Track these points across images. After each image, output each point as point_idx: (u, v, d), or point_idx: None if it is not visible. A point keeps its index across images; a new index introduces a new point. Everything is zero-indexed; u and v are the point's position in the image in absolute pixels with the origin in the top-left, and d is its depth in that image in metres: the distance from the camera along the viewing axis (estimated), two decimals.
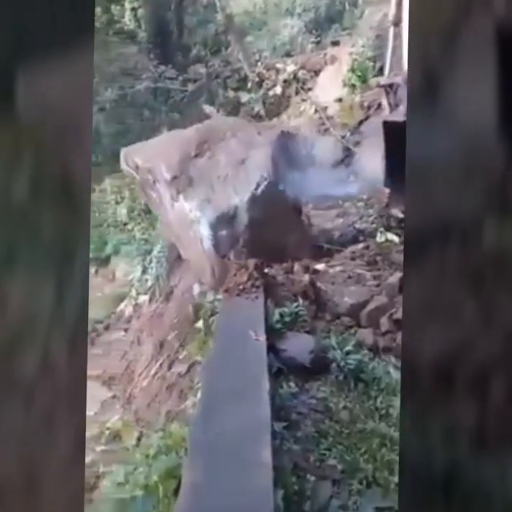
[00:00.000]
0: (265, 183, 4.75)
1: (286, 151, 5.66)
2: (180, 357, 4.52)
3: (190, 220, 4.66)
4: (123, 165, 5.42)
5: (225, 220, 4.61)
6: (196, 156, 4.91)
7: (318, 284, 4.50)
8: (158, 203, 5.15)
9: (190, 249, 5.07)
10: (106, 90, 9.47)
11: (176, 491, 2.03)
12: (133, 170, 5.35)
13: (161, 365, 4.86)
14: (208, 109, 8.45)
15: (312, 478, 2.49)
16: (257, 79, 8.64)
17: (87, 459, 3.98)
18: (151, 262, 6.31)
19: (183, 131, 5.41)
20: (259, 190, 4.72)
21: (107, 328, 6.15)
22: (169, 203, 4.86)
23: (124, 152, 5.27)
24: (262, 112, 8.22)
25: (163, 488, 2.03)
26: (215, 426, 2.39)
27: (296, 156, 5.96)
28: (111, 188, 7.37)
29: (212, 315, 4.12)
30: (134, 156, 5.13)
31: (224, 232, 4.60)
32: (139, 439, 2.94)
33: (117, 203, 7.24)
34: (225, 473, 2.06)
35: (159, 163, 4.89)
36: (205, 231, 4.58)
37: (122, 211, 7.14)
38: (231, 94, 8.87)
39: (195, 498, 1.95)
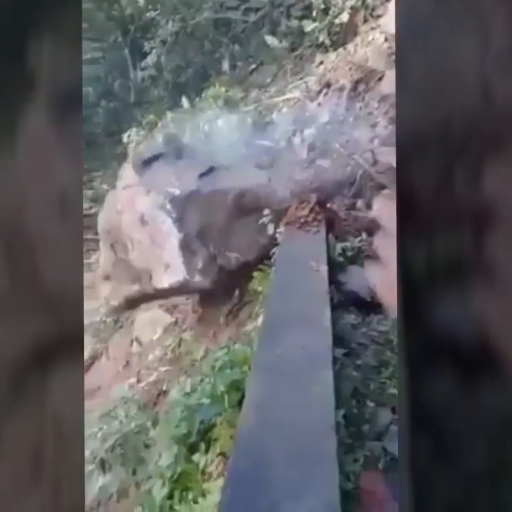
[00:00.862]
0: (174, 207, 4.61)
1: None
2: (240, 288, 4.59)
3: (177, 288, 4.61)
4: None
5: (191, 257, 4.56)
6: (126, 254, 4.86)
7: None
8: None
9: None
10: (167, 23, 9.28)
11: (240, 403, 2.11)
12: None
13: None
14: (269, 39, 8.10)
15: (371, 404, 2.52)
16: (322, 6, 8.11)
17: (152, 378, 4.23)
18: None
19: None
20: (180, 211, 4.60)
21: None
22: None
23: None
24: (327, 42, 7.77)
25: (228, 398, 2.11)
26: (277, 347, 2.44)
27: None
28: (172, 123, 7.35)
29: (272, 247, 4.12)
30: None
31: (200, 266, 4.55)
32: (205, 353, 3.07)
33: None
34: (287, 389, 2.11)
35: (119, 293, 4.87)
36: (195, 276, 4.51)
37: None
38: (294, 23, 8.40)
39: (258, 410, 2.02)
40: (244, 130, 7.19)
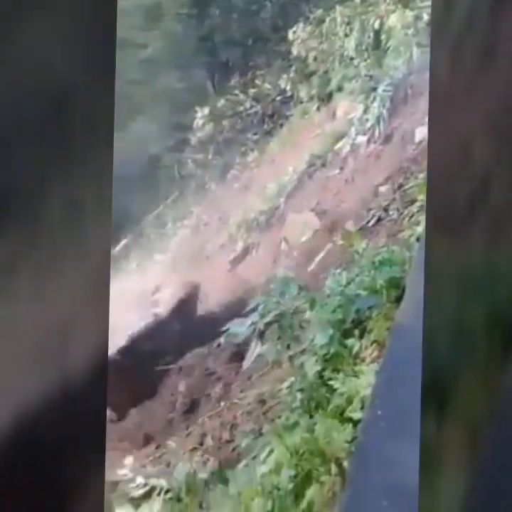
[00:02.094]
0: None
1: None
2: (395, 197, 4.43)
3: None
4: None
5: None
6: None
7: None
8: None
9: None
10: None
11: (398, 300, 2.10)
12: None
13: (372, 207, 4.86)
14: None
15: None
16: None
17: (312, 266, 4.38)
18: (374, 100, 6.00)
19: None
20: None
21: (323, 164, 6.28)
22: None
23: None
24: None
25: (386, 293, 2.11)
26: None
27: None
28: (341, 18, 6.90)
29: None
30: None
31: None
32: (366, 246, 3.08)
33: (346, 35, 6.80)
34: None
35: None
36: None
37: (350, 44, 6.71)
38: None
39: (419, 307, 2.00)
40: (420, 29, 6.50)
